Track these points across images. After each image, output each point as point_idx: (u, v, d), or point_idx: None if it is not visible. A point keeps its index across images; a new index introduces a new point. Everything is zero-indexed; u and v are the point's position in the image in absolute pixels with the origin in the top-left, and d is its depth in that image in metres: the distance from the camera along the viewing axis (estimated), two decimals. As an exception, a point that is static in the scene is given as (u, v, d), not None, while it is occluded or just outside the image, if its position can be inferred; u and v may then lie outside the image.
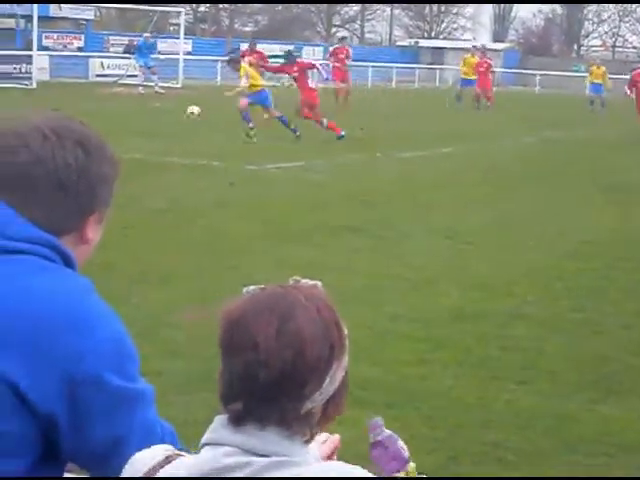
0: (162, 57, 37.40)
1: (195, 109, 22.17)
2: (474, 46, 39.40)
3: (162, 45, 46.52)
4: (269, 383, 1.60)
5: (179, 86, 36.92)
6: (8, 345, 1.74)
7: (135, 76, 37.22)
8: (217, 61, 41.22)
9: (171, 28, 56.86)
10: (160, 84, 34.44)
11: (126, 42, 43.67)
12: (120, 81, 35.65)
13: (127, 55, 38.82)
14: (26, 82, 33.64)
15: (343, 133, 19.61)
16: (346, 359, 1.70)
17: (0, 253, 1.83)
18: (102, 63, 40.01)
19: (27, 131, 1.90)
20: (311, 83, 20.65)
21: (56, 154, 1.88)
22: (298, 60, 21.40)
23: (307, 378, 1.62)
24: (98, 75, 39.59)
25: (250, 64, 20.48)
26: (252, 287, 1.71)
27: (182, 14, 42.99)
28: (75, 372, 1.76)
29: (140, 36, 38.83)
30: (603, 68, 35.76)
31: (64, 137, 1.90)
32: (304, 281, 1.73)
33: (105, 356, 1.78)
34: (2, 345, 1.74)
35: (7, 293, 1.78)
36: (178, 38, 41.29)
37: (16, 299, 1.78)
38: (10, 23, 42.87)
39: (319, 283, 1.74)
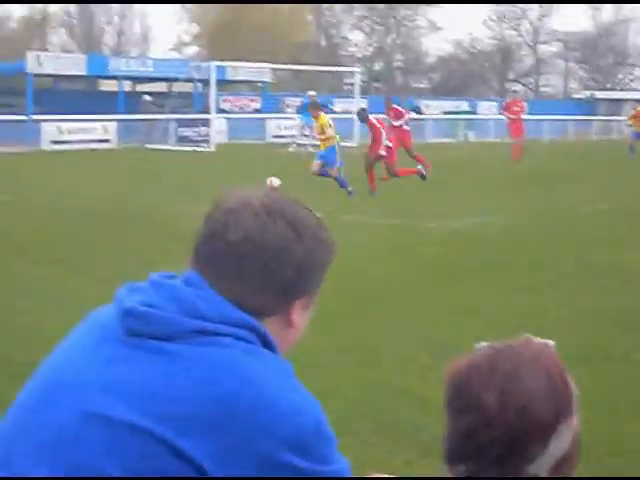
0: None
1: (275, 181, 19.31)
2: None
3: (338, 105, 47.07)
4: (491, 445, 1.60)
5: (355, 145, 37.07)
6: (202, 428, 1.70)
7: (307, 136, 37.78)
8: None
9: (345, 88, 57.29)
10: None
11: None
12: (298, 141, 36.14)
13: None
14: (205, 145, 34.42)
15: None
16: (575, 420, 1.66)
17: (198, 335, 1.78)
18: (278, 124, 40.62)
19: (238, 207, 1.87)
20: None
21: (265, 233, 1.84)
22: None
23: (530, 440, 1.60)
24: (275, 136, 40.26)
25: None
26: (483, 343, 1.71)
27: (357, 74, 43.28)
28: (269, 456, 1.72)
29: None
30: None
31: (276, 216, 1.86)
32: (536, 340, 1.72)
33: (302, 442, 1.74)
34: (195, 427, 1.70)
35: (204, 376, 1.74)
36: (353, 98, 41.53)
37: (212, 382, 1.73)
38: (188, 87, 44.16)
39: (551, 342, 1.73)
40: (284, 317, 1.90)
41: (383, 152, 19.84)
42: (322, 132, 19.56)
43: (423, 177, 20.41)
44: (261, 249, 1.83)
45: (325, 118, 19.73)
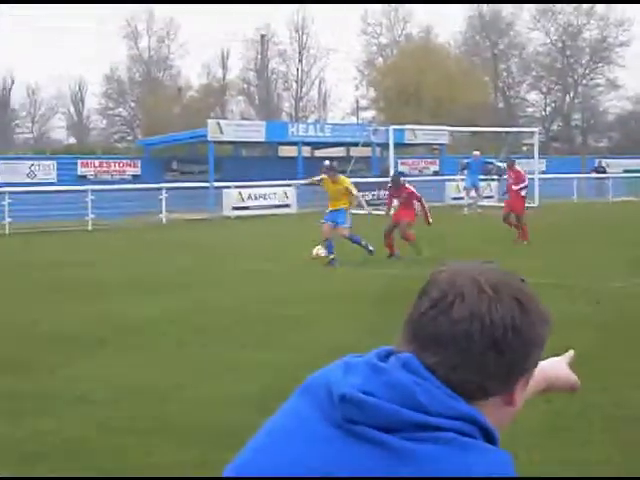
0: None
1: (321, 252, 18.70)
2: None
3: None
4: None
5: (535, 205, 36.55)
6: None
7: (491, 197, 37.48)
8: (573, 179, 40.39)
9: (524, 148, 56.62)
10: (478, 203, 35.22)
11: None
12: (466, 202, 35.89)
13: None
14: (383, 208, 34.42)
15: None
16: None
17: (419, 429, 1.65)
18: (458, 185, 40.41)
19: (463, 283, 1.74)
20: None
21: (492, 310, 1.70)
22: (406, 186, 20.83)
23: None
24: (454, 198, 40.07)
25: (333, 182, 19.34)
26: None
27: (536, 133, 42.74)
28: None
29: (494, 159, 39.12)
30: None
31: (501, 292, 1.73)
32: None
33: None
34: None
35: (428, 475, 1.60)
36: (531, 158, 40.96)
37: None
38: (366, 152, 44.43)
39: None
40: (506, 397, 1.77)
41: (407, 219, 20.05)
42: (343, 195, 19.23)
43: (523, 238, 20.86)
44: (488, 326, 1.71)
45: (346, 181, 19.54)
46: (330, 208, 19.29)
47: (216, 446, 6.46)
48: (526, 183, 23.03)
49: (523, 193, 22.85)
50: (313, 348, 9.55)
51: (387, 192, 21.88)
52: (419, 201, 20.35)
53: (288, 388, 1.88)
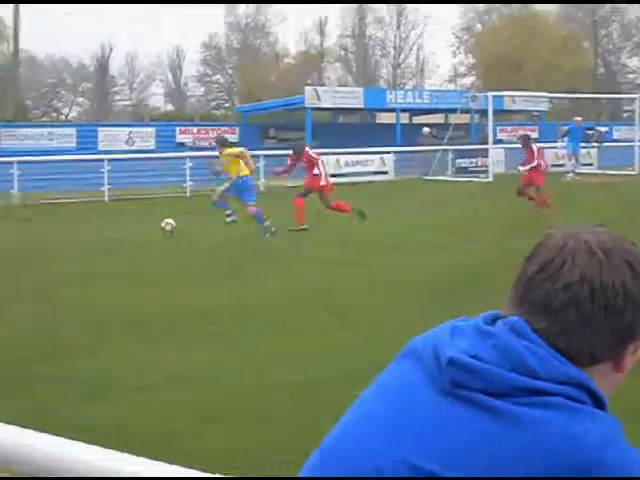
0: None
1: (168, 224, 18.23)
2: None
3: (617, 133, 45.87)
4: None
5: (635, 173, 35.96)
6: None
7: (590, 164, 36.95)
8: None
9: (625, 115, 55.71)
10: (577, 171, 34.84)
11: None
12: (576, 170, 35.37)
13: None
14: (483, 175, 34.28)
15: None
16: None
17: (527, 394, 1.65)
18: (556, 153, 39.88)
19: (571, 244, 1.72)
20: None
21: (603, 273, 1.69)
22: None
23: None
24: (553, 165, 39.60)
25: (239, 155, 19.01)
26: None
27: (637, 100, 41.95)
28: None
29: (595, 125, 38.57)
30: None
31: (613, 255, 1.71)
32: None
33: None
34: None
35: (536, 442, 1.60)
36: (633, 124, 40.23)
37: (546, 451, 1.60)
38: (465, 118, 44.14)
39: None
40: (615, 363, 1.75)
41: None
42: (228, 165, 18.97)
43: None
44: (600, 289, 1.68)
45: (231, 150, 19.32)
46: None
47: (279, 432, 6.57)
48: (534, 163, 22.31)
49: (542, 167, 22.43)
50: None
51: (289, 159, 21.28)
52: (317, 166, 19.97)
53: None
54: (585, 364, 1.71)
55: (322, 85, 62.50)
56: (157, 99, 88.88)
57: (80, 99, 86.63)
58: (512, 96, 44.61)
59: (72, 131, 38.37)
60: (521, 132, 34.62)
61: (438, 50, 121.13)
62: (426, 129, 40.41)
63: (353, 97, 42.27)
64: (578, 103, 57.81)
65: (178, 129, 40.81)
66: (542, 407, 1.64)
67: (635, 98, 42.82)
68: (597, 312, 1.68)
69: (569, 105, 62.66)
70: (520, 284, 1.74)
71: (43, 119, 72.60)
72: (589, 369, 1.71)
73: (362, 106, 42.80)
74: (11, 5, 54.21)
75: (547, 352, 1.68)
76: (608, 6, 77.44)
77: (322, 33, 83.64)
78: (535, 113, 48.91)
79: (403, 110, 44.07)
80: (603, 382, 1.74)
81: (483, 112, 38.47)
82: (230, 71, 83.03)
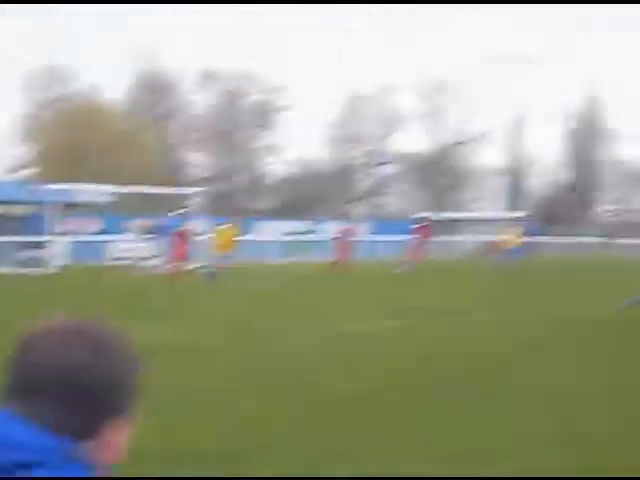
0: None
1: None
2: None
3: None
4: None
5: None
6: None
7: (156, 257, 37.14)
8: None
9: (185, 209, 56.98)
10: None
11: None
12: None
13: None
14: (45, 267, 33.41)
15: None
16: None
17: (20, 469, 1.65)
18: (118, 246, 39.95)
19: (40, 333, 1.79)
20: None
21: (63, 355, 1.75)
22: None
23: None
24: (116, 258, 39.61)
25: None
26: None
27: (197, 195, 42.95)
28: None
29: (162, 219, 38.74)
30: None
31: (74, 337, 1.78)
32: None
33: None
34: None
35: None
36: (194, 219, 41.08)
37: None
38: (26, 209, 43.11)
39: None
40: (101, 438, 1.79)
41: None
42: None
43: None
44: (59, 371, 1.75)
45: None
46: None
47: None
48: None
49: None
50: None
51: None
52: None
53: None
54: (78, 439, 1.73)
55: None
56: None
57: None
58: (76, 189, 44.28)
59: None
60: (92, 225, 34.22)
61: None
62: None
63: None
64: (146, 196, 58.40)
65: None
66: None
67: (195, 192, 43.89)
68: (65, 393, 1.73)
69: (137, 198, 63.26)
70: (6, 375, 1.78)
71: None
72: (86, 443, 1.74)
73: None
74: None
75: (22, 425, 1.71)
76: (172, 101, 79.72)
77: None
78: (101, 205, 48.78)
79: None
80: (104, 452, 1.78)
81: (45, 204, 37.84)
82: None
